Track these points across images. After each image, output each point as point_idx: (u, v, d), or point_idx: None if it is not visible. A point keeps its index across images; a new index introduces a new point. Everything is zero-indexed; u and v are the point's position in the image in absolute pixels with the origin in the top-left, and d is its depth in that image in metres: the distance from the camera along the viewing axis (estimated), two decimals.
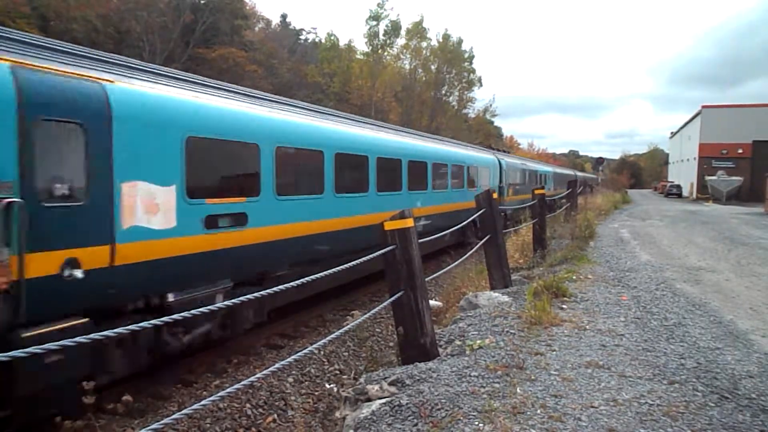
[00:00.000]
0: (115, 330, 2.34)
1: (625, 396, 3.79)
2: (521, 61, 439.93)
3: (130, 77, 6.09)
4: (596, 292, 7.21)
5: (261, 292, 3.22)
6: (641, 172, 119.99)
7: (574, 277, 8.12)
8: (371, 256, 4.40)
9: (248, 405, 6.27)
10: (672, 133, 76.67)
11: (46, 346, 2.08)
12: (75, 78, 5.28)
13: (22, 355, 1.95)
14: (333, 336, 3.93)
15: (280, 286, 3.32)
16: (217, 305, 2.91)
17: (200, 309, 2.75)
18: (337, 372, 7.49)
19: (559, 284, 6.95)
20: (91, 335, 2.25)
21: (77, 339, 2.18)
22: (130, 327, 2.38)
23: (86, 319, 5.20)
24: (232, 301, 3.07)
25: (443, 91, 61.12)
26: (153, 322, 2.53)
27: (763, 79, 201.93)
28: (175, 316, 2.66)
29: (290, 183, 8.32)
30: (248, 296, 3.10)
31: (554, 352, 4.71)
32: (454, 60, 59.52)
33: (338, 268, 3.96)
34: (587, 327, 5.53)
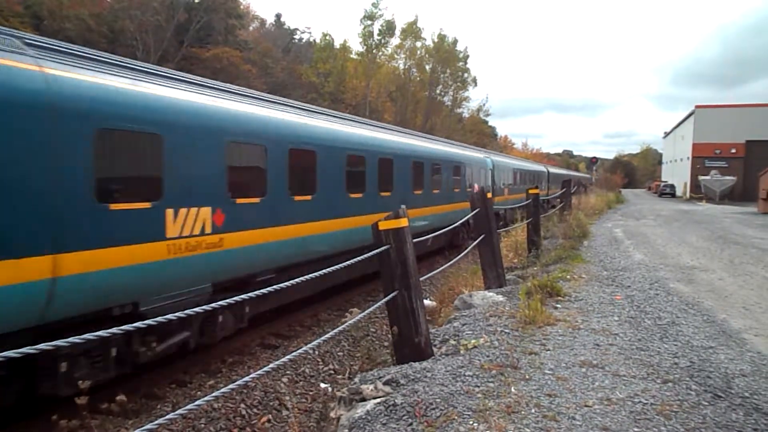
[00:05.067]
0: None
1: (618, 395, 3.80)
2: (526, 61, 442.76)
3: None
4: (590, 292, 7.24)
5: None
6: (635, 172, 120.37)
7: (568, 277, 8.14)
8: (369, 254, 4.40)
9: (243, 405, 6.25)
10: (665, 132, 76.99)
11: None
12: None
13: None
14: (327, 336, 3.93)
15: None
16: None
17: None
18: (332, 372, 7.48)
19: (553, 284, 6.97)
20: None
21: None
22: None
23: None
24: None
25: (437, 91, 61.15)
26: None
27: (767, 79, 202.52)
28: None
29: None
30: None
31: (548, 352, 4.72)
32: (448, 60, 59.55)
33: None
34: (581, 326, 5.54)
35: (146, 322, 2.48)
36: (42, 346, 2.03)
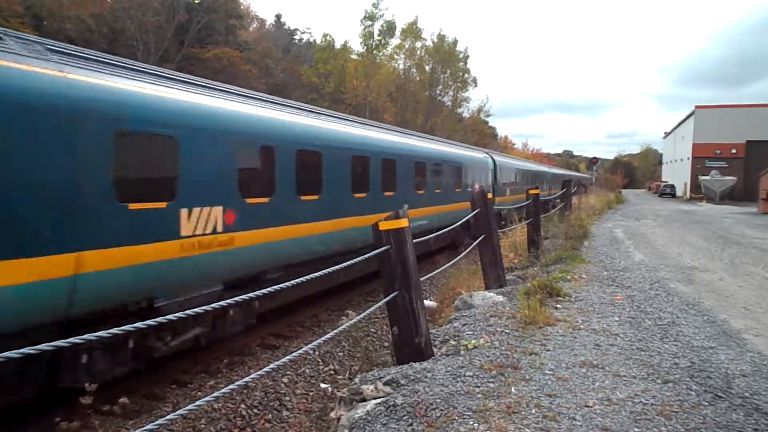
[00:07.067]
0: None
1: (619, 395, 3.80)
2: (529, 61, 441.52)
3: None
4: (590, 292, 7.23)
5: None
6: (635, 172, 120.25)
7: (569, 277, 8.13)
8: (366, 255, 4.41)
9: (243, 405, 6.26)
10: (666, 133, 76.98)
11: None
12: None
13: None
14: (328, 336, 3.93)
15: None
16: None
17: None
18: (332, 372, 7.49)
19: (553, 284, 6.97)
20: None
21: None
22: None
23: None
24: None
25: (438, 91, 61.15)
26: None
27: None
28: None
29: None
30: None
31: (549, 352, 4.72)
32: (448, 60, 59.55)
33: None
34: (581, 326, 5.54)
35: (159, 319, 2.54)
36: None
